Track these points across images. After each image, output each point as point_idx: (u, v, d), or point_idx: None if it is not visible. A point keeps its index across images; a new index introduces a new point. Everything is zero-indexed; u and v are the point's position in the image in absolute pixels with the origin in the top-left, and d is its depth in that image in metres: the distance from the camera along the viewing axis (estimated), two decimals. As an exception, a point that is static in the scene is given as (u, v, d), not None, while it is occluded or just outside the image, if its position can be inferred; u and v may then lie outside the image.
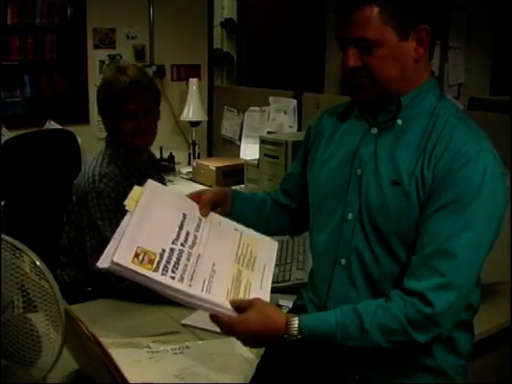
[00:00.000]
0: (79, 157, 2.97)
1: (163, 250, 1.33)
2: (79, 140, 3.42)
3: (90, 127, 3.74)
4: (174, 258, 1.33)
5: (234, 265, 1.42)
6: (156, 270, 1.29)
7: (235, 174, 3.57)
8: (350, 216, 1.43)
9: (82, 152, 3.06)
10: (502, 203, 1.32)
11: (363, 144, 1.44)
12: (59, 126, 3.48)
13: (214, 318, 1.34)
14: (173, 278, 1.30)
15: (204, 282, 1.33)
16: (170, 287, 1.29)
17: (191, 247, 1.38)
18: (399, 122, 1.40)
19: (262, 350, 1.63)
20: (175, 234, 1.38)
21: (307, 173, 1.61)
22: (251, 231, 1.51)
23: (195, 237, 1.41)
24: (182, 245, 1.36)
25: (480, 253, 1.30)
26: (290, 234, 1.86)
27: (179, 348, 1.65)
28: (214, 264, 1.38)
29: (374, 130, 1.43)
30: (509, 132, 2.26)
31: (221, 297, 1.34)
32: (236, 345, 1.71)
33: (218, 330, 1.77)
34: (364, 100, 1.43)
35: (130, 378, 1.41)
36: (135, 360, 1.54)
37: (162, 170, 3.37)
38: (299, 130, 3.44)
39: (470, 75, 5.33)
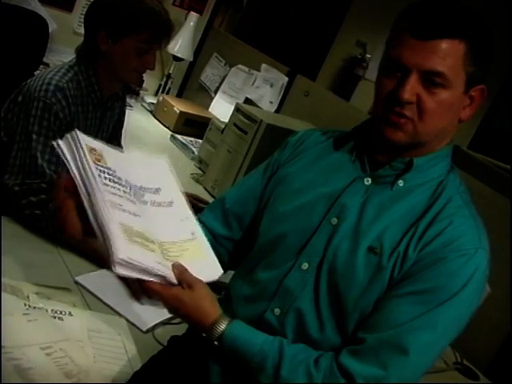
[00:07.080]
0: (45, 47, 2.69)
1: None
2: (53, 27, 3.16)
3: (71, 17, 3.45)
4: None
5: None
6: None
7: (197, 125, 3.37)
8: (304, 266, 1.21)
9: (50, 41, 2.80)
10: (474, 308, 1.16)
11: (350, 191, 1.22)
12: (38, 3, 3.17)
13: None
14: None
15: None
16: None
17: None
18: (400, 183, 1.20)
19: (144, 352, 1.49)
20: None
21: (267, 195, 1.35)
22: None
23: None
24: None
25: (433, 354, 1.16)
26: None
27: (61, 312, 1.49)
28: None
29: (368, 181, 1.22)
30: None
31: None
32: (120, 328, 1.57)
33: (107, 300, 1.64)
34: (394, 144, 1.18)
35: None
36: (7, 313, 1.36)
37: (126, 91, 3.12)
38: (277, 111, 3.24)
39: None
